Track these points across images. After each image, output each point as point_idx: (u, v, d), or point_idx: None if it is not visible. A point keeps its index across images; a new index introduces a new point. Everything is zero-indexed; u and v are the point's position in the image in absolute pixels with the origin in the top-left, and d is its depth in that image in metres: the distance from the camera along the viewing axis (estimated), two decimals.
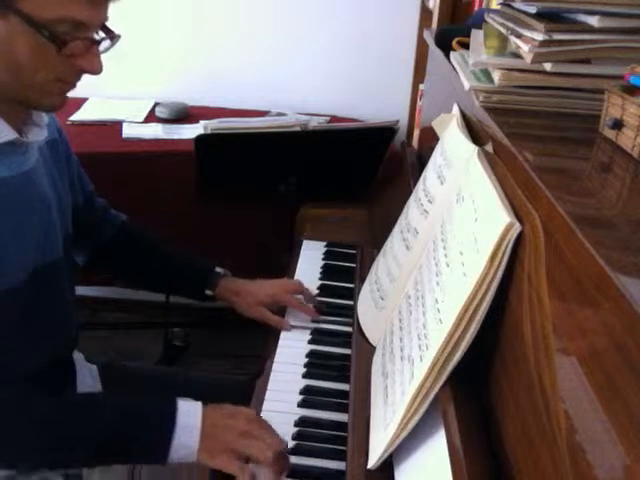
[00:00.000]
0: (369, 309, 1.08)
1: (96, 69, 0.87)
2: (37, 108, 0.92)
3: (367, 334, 1.06)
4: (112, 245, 1.23)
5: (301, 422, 0.95)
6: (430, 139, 1.29)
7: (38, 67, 0.83)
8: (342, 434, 0.91)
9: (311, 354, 1.11)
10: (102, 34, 0.88)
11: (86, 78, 0.89)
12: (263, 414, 0.97)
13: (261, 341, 1.20)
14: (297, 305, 1.21)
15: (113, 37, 0.89)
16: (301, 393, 1.02)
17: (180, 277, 1.26)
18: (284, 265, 1.44)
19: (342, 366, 1.07)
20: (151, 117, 2.15)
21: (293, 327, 1.18)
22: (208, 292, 1.22)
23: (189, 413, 0.85)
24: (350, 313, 1.19)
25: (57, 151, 1.03)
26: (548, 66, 0.87)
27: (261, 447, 0.84)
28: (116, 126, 2.04)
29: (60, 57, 0.82)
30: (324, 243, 1.50)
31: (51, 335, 0.98)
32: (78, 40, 0.82)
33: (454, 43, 1.23)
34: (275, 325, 1.18)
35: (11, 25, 0.79)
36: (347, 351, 1.10)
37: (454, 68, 1.10)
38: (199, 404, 0.87)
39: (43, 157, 0.97)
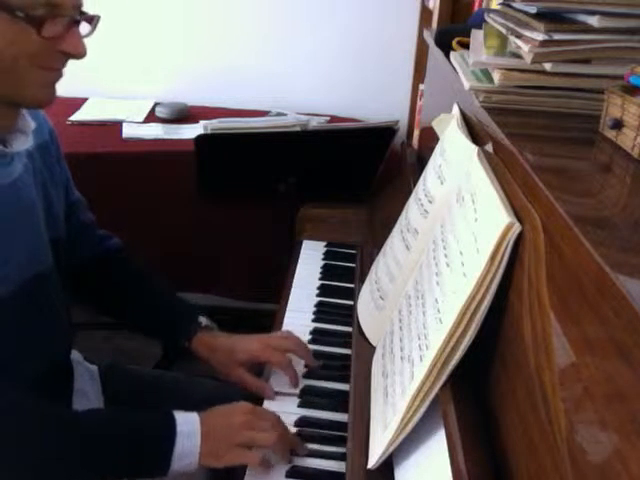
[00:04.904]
0: (369, 309, 1.08)
1: (79, 51, 0.81)
2: (23, 104, 0.87)
3: (367, 334, 1.06)
4: (93, 268, 1.14)
5: (301, 422, 0.95)
6: (430, 139, 1.29)
7: (18, 54, 0.77)
8: (342, 434, 0.91)
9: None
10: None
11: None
12: None
13: None
14: (279, 365, 1.04)
15: (92, 19, 0.84)
16: (301, 393, 1.02)
17: (156, 321, 1.13)
18: (284, 265, 1.44)
19: (342, 366, 1.07)
20: (151, 117, 2.15)
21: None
22: (183, 343, 1.09)
23: (186, 421, 0.84)
24: (350, 313, 1.19)
25: (49, 154, 0.99)
26: (548, 66, 0.87)
27: (263, 435, 0.85)
28: (116, 126, 2.03)
29: (40, 41, 0.77)
30: (324, 243, 1.50)
31: (45, 341, 0.95)
32: (57, 18, 0.78)
33: (454, 43, 1.22)
34: (254, 391, 1.02)
35: None
36: (347, 351, 1.10)
37: (454, 68, 1.10)
38: (194, 413, 0.86)
39: (32, 163, 0.93)
